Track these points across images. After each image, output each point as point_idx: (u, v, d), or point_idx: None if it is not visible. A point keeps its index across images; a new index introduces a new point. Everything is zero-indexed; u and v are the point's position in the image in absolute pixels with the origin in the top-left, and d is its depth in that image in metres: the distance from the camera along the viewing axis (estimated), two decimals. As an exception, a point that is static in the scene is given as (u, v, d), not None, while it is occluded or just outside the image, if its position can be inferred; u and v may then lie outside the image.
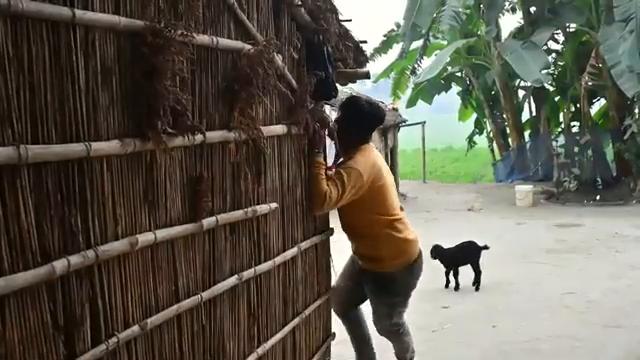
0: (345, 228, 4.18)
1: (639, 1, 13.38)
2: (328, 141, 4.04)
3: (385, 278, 4.10)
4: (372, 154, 4.06)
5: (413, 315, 5.92)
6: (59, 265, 1.79)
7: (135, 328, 2.16)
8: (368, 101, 4.38)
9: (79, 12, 1.86)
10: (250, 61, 2.75)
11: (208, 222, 2.58)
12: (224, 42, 2.65)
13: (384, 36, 21.30)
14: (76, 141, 1.88)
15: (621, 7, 13.75)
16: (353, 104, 4.19)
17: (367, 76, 4.46)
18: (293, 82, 3.32)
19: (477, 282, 7.56)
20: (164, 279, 2.34)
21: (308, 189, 3.72)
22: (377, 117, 4.22)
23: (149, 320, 2.23)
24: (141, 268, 2.21)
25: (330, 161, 4.31)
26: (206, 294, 2.59)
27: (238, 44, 2.77)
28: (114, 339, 2.04)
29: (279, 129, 3.24)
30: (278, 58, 3.06)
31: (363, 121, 4.08)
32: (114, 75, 2.05)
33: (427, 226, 12.42)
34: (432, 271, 8.55)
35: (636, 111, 16.79)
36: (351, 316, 4.39)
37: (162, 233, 2.29)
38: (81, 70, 1.90)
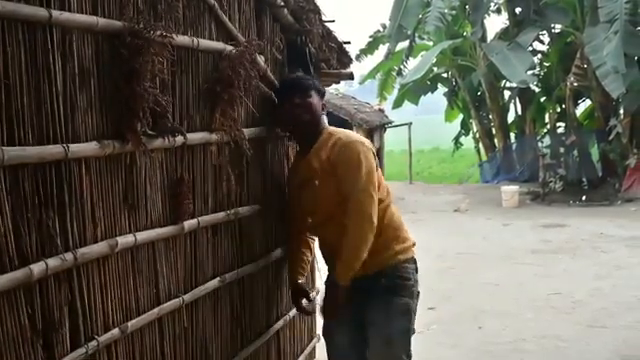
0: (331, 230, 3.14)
1: (623, 2, 13.45)
2: None
3: (400, 270, 3.14)
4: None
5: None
6: (37, 268, 1.77)
7: (115, 331, 2.14)
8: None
9: (56, 13, 1.84)
10: (232, 62, 2.74)
11: (189, 224, 2.56)
12: (205, 43, 2.63)
13: (370, 37, 21.37)
14: (53, 143, 1.86)
15: (605, 8, 13.81)
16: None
17: (351, 77, 4.45)
18: (276, 83, 3.31)
19: None
20: (145, 282, 2.32)
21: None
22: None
23: (130, 323, 2.21)
24: (121, 271, 2.19)
25: None
26: (188, 297, 2.57)
27: (219, 45, 2.76)
28: (94, 342, 2.02)
29: (261, 131, 3.23)
30: (260, 59, 3.05)
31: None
32: (92, 76, 2.03)
33: (414, 227, 12.36)
34: (419, 272, 8.60)
35: (621, 112, 16.86)
36: None
37: (142, 235, 2.27)
38: (58, 71, 1.89)
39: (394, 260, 3.13)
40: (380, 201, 3.05)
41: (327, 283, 3.15)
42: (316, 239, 3.44)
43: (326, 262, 3.30)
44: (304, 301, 3.39)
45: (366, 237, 2.96)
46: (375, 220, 2.96)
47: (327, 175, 3.06)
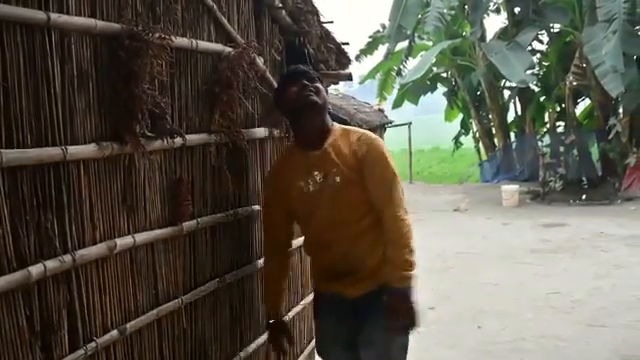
0: (335, 237, 2.88)
1: (622, 2, 13.46)
2: None
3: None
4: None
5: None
6: (35, 270, 1.78)
7: (114, 333, 2.14)
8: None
9: (54, 15, 1.85)
10: (230, 64, 2.75)
11: (188, 225, 2.57)
12: (204, 45, 2.64)
13: (369, 37, 21.36)
14: (52, 145, 1.87)
15: (604, 7, 13.81)
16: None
17: (349, 78, 4.46)
18: (275, 84, 3.31)
19: None
20: (144, 283, 2.33)
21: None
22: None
23: (128, 324, 2.22)
24: (120, 272, 2.20)
25: None
26: (187, 297, 2.58)
27: (218, 47, 2.76)
28: (93, 344, 2.03)
29: (261, 131, 3.24)
30: (259, 60, 3.06)
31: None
32: (91, 79, 2.04)
33: (413, 227, 12.46)
34: (418, 272, 8.61)
35: (620, 111, 16.82)
36: None
37: (141, 237, 2.28)
38: (57, 74, 1.89)
39: None
40: (380, 211, 2.85)
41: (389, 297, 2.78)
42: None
43: (324, 277, 3.01)
44: (285, 343, 3.10)
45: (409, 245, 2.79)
46: (412, 245, 2.80)
47: (351, 170, 2.80)
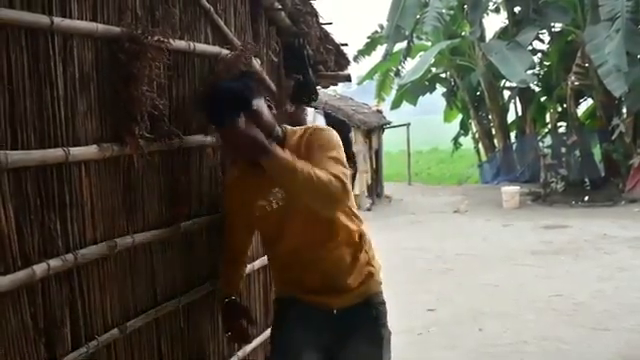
0: (306, 245, 2.60)
1: (625, 0, 13.41)
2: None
3: (381, 300, 2.77)
4: None
5: (398, 318, 5.95)
6: (39, 269, 1.82)
7: (115, 331, 2.18)
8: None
9: (57, 19, 1.89)
10: (227, 66, 2.78)
11: (185, 226, 2.60)
12: (201, 47, 2.67)
13: (368, 38, 21.38)
14: (55, 146, 1.91)
15: (606, 6, 13.76)
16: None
17: (348, 79, 4.50)
18: (272, 86, 3.35)
19: None
20: (143, 282, 2.36)
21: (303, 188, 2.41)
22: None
23: (129, 323, 2.25)
24: (120, 271, 2.23)
25: None
26: (185, 297, 2.61)
27: (215, 49, 2.80)
28: (94, 342, 2.07)
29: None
30: (256, 62, 3.09)
31: None
32: (92, 81, 2.08)
33: (412, 228, 12.49)
34: (418, 273, 8.63)
35: (624, 111, 16.74)
36: None
37: (140, 237, 2.31)
38: (60, 77, 1.93)
39: (378, 286, 2.75)
40: (360, 218, 2.70)
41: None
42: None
43: (299, 289, 2.71)
44: (245, 326, 2.81)
45: (327, 181, 2.36)
46: (340, 176, 2.39)
47: None
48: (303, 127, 2.69)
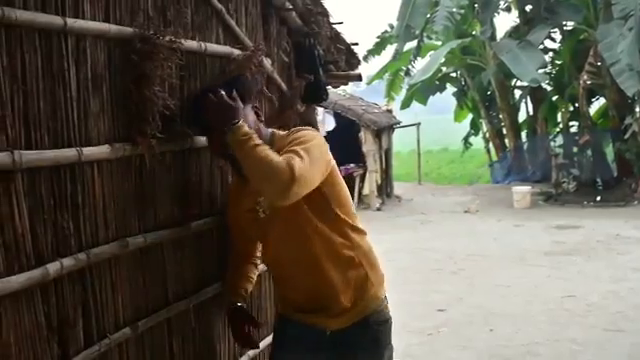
0: (294, 260, 2.53)
1: (638, -2, 13.29)
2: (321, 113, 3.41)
3: (383, 318, 2.62)
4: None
5: (409, 318, 5.97)
6: (52, 268, 1.85)
7: (126, 330, 2.20)
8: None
9: (70, 21, 1.91)
10: (239, 66, 2.79)
11: (196, 226, 2.61)
12: (212, 47, 2.69)
13: (378, 37, 21.31)
14: (68, 146, 1.93)
15: (620, 4, 13.60)
16: None
17: (359, 78, 4.49)
18: (283, 85, 3.36)
19: None
20: (154, 282, 2.38)
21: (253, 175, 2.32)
22: None
23: (140, 322, 2.27)
24: (131, 271, 2.25)
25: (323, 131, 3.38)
26: (195, 297, 2.62)
27: (227, 49, 2.81)
28: (106, 341, 2.09)
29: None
30: (267, 62, 3.10)
31: None
32: (105, 81, 2.09)
33: (423, 228, 12.46)
34: (429, 273, 8.62)
35: (637, 110, 16.46)
36: None
37: (151, 236, 2.33)
38: (72, 77, 1.95)
39: (379, 301, 2.60)
40: (348, 218, 2.54)
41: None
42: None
43: (292, 307, 2.64)
44: (251, 331, 2.76)
45: (274, 170, 2.19)
46: (290, 167, 2.18)
47: None
48: (289, 132, 2.53)
